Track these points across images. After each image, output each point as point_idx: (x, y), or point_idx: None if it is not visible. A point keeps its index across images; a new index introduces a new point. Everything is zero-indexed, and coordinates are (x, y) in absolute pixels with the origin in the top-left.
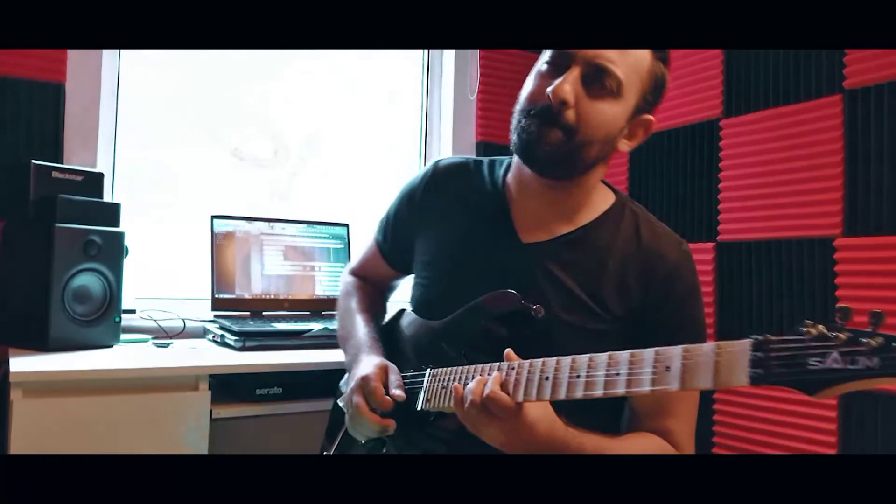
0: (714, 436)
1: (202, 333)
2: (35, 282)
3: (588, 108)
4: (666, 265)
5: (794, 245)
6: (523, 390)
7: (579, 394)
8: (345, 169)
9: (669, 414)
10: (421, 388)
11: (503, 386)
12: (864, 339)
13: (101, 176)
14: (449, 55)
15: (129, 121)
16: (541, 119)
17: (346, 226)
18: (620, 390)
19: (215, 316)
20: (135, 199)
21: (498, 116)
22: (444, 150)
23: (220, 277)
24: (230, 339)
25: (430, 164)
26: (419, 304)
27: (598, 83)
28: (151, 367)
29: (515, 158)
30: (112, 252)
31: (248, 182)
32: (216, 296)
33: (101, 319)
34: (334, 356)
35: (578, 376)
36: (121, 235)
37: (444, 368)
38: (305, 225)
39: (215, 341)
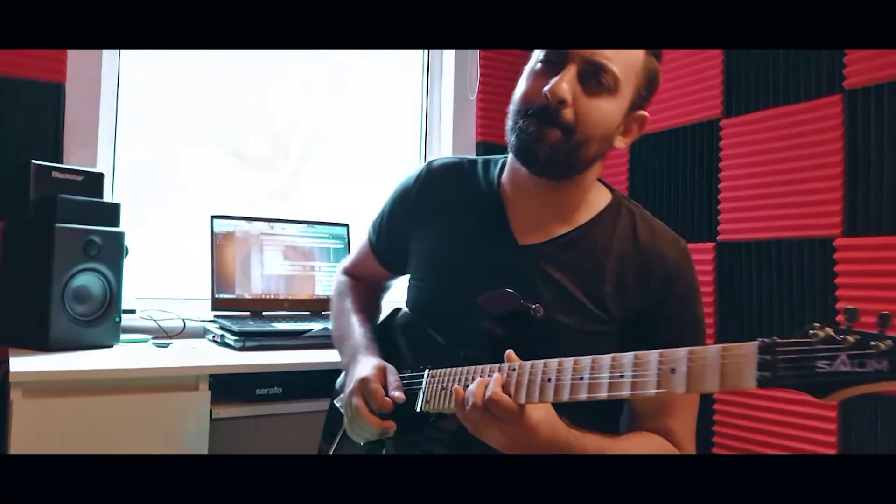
0: (714, 436)
1: (202, 333)
2: (35, 282)
3: (586, 106)
4: (665, 264)
5: (794, 245)
6: (525, 392)
7: (583, 396)
8: (345, 169)
9: (670, 413)
10: (419, 389)
11: (505, 387)
12: (872, 342)
13: (101, 176)
14: (449, 55)
15: (129, 121)
16: (539, 119)
17: (346, 226)
18: (625, 392)
19: (215, 316)
20: (135, 199)
21: (498, 116)
22: (444, 150)
23: (220, 277)
24: (230, 339)
25: (423, 164)
26: (416, 305)
27: (595, 80)
28: (151, 367)
29: (510, 158)
30: (112, 252)
31: (248, 182)
32: (216, 296)
33: (101, 319)
34: (334, 356)
35: (582, 378)
36: (121, 235)
37: (443, 369)
38: (305, 225)
39: (215, 341)
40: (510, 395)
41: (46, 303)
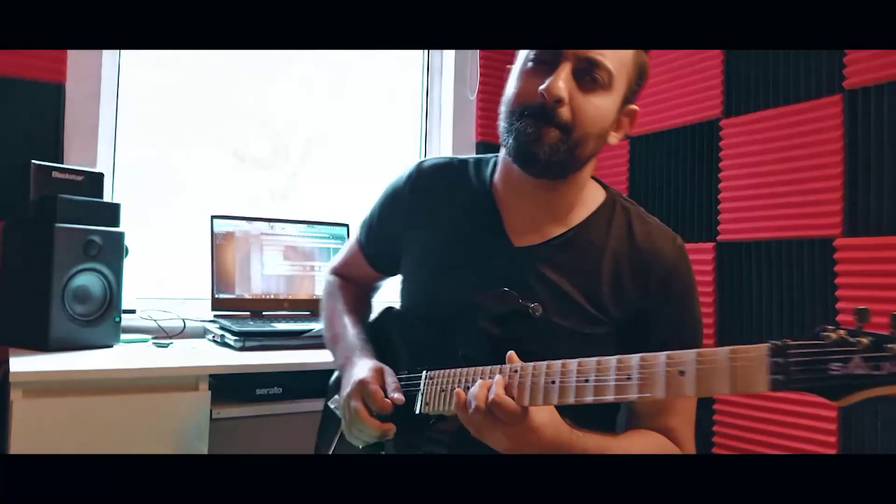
0: (714, 436)
1: (202, 333)
2: (35, 282)
3: (582, 104)
4: (664, 264)
5: (794, 245)
6: (529, 394)
7: (589, 398)
8: (345, 169)
9: (670, 412)
10: (417, 390)
11: (507, 389)
12: (887, 345)
13: (101, 176)
14: (449, 55)
15: (129, 121)
16: (536, 119)
17: (346, 226)
18: (633, 395)
19: (215, 316)
20: (135, 199)
21: (498, 116)
22: (444, 150)
23: (219, 277)
24: (230, 339)
25: (413, 164)
26: (411, 305)
27: (590, 77)
28: (151, 367)
29: (501, 158)
30: (112, 252)
31: (248, 182)
32: (216, 296)
33: (101, 319)
34: None
35: (587, 381)
36: (121, 235)
37: (442, 371)
38: (305, 225)
39: (215, 341)
40: (513, 397)
41: (46, 303)
